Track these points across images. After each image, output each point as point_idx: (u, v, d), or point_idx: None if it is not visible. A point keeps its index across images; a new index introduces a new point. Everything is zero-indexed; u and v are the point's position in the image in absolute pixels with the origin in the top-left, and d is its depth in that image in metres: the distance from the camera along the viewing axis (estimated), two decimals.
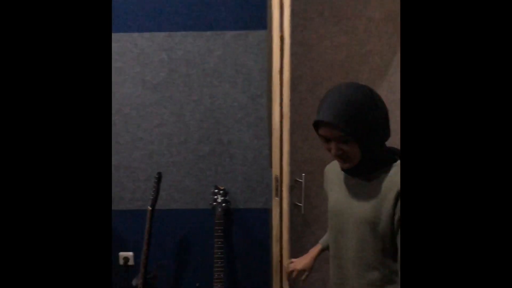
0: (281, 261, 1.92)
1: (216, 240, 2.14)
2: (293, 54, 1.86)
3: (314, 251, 1.57)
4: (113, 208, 2.31)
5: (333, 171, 1.38)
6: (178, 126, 2.29)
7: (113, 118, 2.28)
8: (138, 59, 2.26)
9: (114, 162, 2.30)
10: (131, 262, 2.31)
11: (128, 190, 2.31)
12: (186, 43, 2.26)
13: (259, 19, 2.21)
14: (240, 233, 2.34)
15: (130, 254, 2.32)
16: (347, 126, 1.11)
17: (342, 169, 1.24)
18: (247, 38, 2.24)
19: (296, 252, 1.92)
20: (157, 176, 2.16)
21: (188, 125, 2.29)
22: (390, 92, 2.05)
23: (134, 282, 2.14)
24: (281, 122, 1.89)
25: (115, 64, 2.26)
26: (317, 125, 1.19)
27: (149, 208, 2.13)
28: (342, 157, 1.19)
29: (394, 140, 1.31)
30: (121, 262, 2.31)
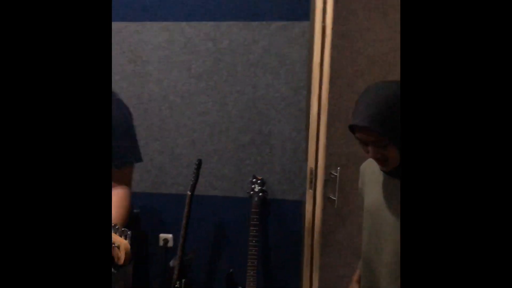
0: (311, 254, 1.93)
1: (251, 228, 2.17)
2: (334, 47, 1.83)
3: (354, 278, 1.48)
4: (155, 191, 2.41)
5: (370, 170, 1.32)
6: (220, 115, 2.33)
7: (159, 105, 2.36)
8: (185, 48, 2.32)
9: (158, 147, 2.39)
10: (170, 244, 2.40)
11: (170, 174, 2.40)
12: (232, 33, 2.29)
13: (304, 9, 2.19)
14: (275, 223, 2.36)
15: (169, 236, 2.41)
16: (384, 130, 1.06)
17: (382, 170, 1.20)
18: (292, 29, 2.23)
19: (328, 246, 1.91)
20: (197, 162, 2.22)
21: (230, 115, 2.33)
22: None
23: (171, 263, 2.23)
24: (318, 115, 1.88)
25: (164, 52, 2.33)
26: (353, 128, 1.14)
27: (189, 193, 2.20)
28: (381, 160, 1.14)
29: None
30: (161, 243, 2.41)
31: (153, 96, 2.37)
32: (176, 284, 2.19)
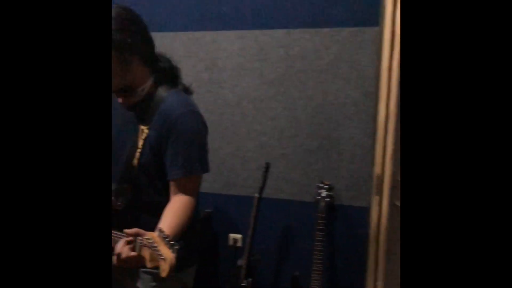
0: (376, 261, 1.90)
1: (317, 233, 2.19)
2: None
3: None
4: (226, 192, 2.51)
5: None
6: (289, 120, 2.38)
7: (232, 111, 2.47)
8: (258, 55, 2.41)
9: (230, 150, 2.49)
10: (239, 244, 2.49)
11: (240, 177, 2.49)
12: (304, 39, 2.33)
13: (374, 15, 2.18)
14: (341, 228, 2.35)
15: (239, 236, 2.50)
16: None
17: None
18: (362, 34, 2.22)
19: (393, 254, 1.87)
20: (265, 166, 2.29)
21: (299, 120, 2.37)
22: None
23: (239, 262, 2.31)
24: (386, 120, 1.85)
25: (237, 59, 2.44)
26: None
27: (256, 195, 2.27)
28: None
29: None
30: (231, 242, 2.51)
31: (227, 102, 2.48)
32: (243, 282, 2.27)
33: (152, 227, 1.23)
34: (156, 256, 1.08)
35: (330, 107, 2.31)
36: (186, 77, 2.49)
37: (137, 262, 1.15)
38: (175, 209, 1.30)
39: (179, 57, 2.50)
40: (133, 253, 1.13)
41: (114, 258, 1.15)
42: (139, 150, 1.33)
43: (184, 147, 1.31)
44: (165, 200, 1.35)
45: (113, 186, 1.35)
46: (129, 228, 1.23)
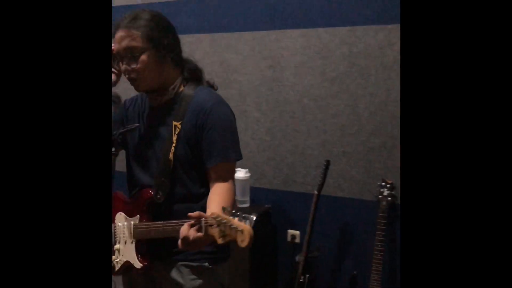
0: None
1: (377, 232, 2.14)
2: None
3: None
4: (285, 189, 2.53)
5: None
6: (351, 118, 2.36)
7: (293, 108, 2.49)
8: (320, 53, 2.41)
9: (290, 147, 2.51)
10: (297, 240, 2.49)
11: (300, 174, 2.50)
12: (368, 36, 2.30)
13: None
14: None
15: (297, 232, 2.50)
16: None
17: None
18: None
19: None
20: (325, 163, 2.28)
21: (361, 117, 2.33)
22: None
23: (297, 258, 2.32)
24: None
25: (300, 58, 2.45)
26: None
27: (315, 192, 2.27)
28: None
29: None
30: (289, 239, 2.51)
31: (288, 100, 2.50)
32: (300, 278, 2.27)
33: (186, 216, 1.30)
34: (228, 231, 1.13)
35: (394, 105, 2.26)
36: (249, 75, 2.58)
37: (204, 243, 1.21)
38: (220, 193, 1.38)
39: (243, 56, 2.60)
40: (199, 234, 1.18)
41: (179, 243, 1.21)
42: (173, 145, 1.41)
43: (220, 136, 1.40)
44: (201, 190, 1.44)
45: (153, 181, 1.45)
46: (168, 219, 1.34)
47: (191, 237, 1.18)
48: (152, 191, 1.44)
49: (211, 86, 1.55)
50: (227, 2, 2.60)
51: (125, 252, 1.46)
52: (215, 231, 1.15)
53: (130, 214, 1.47)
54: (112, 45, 1.38)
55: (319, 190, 2.27)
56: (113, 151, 1.28)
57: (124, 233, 1.47)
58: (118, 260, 1.47)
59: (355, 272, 2.32)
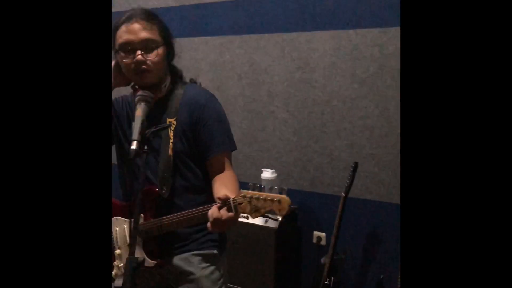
0: None
1: None
2: None
3: None
4: (312, 190, 2.52)
5: None
6: (381, 120, 2.33)
7: (322, 109, 2.48)
8: (350, 55, 2.40)
9: (318, 148, 2.50)
10: (323, 242, 2.48)
11: (327, 175, 2.48)
12: (399, 38, 2.27)
13: None
14: None
15: (323, 234, 2.49)
16: None
17: None
18: None
19: None
20: (353, 165, 2.26)
21: (391, 119, 2.31)
22: None
23: (322, 260, 2.30)
24: None
25: (330, 59, 2.45)
26: None
27: (343, 194, 2.25)
28: None
29: None
30: (314, 240, 2.51)
31: (317, 101, 2.50)
32: (325, 281, 2.26)
33: (190, 208, 1.36)
34: (261, 205, 1.19)
35: None
36: (278, 76, 2.58)
37: (235, 222, 1.26)
38: (226, 182, 1.43)
39: (273, 58, 2.60)
40: (231, 214, 1.22)
41: (209, 225, 1.23)
42: (171, 141, 1.45)
43: (217, 128, 1.47)
44: (202, 182, 1.50)
45: (157, 178, 1.48)
46: (170, 213, 1.38)
47: (223, 217, 1.22)
48: (157, 188, 1.46)
49: (195, 83, 1.60)
50: (258, 4, 2.62)
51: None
52: (246, 208, 1.20)
53: (130, 216, 1.42)
54: (118, 37, 1.40)
55: (347, 192, 2.25)
56: (145, 149, 1.31)
57: (125, 237, 1.49)
58: (120, 265, 1.49)
59: (382, 276, 2.28)
